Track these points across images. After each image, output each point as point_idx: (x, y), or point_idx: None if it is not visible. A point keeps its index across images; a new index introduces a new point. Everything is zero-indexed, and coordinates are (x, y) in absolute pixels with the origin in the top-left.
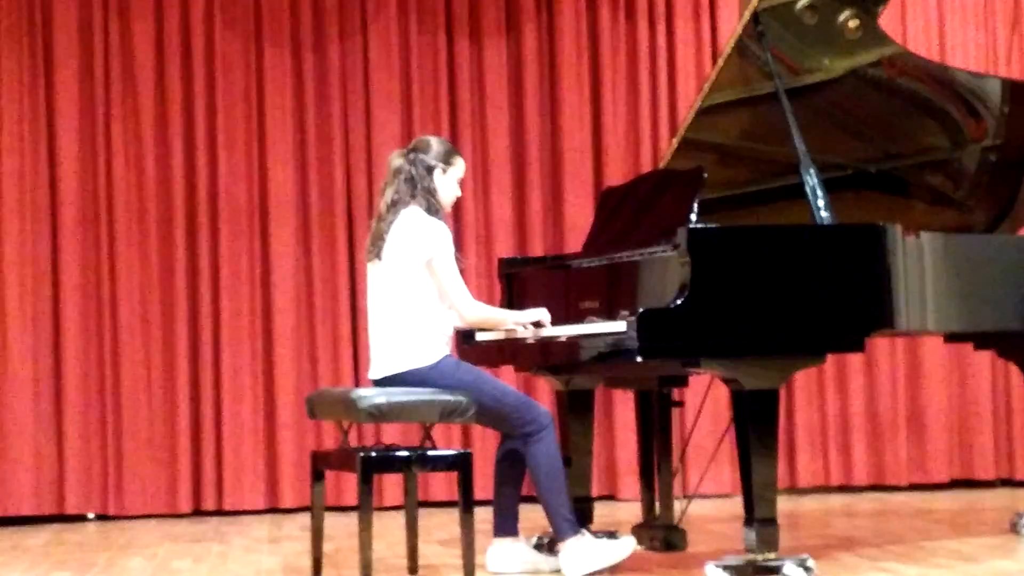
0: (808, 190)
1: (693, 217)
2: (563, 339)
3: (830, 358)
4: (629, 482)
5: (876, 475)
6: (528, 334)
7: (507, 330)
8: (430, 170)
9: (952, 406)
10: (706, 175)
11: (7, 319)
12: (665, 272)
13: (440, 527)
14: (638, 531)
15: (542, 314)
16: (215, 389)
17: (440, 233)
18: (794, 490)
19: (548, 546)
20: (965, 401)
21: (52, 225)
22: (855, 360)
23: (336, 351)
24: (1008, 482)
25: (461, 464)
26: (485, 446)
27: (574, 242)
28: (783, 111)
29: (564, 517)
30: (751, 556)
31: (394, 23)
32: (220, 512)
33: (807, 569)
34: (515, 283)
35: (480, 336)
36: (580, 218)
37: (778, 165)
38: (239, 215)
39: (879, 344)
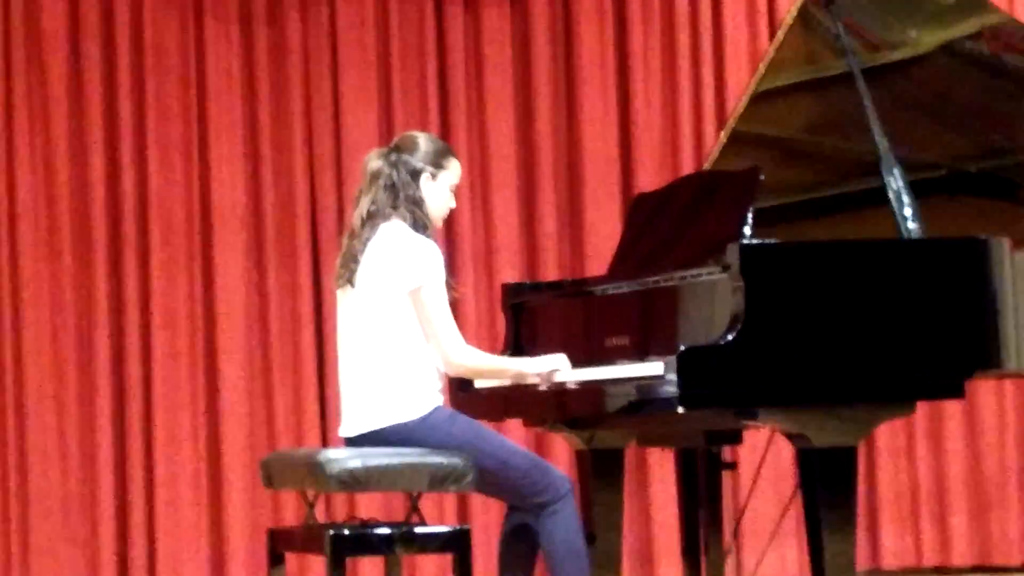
0: (891, 195)
1: (747, 230)
2: (584, 385)
3: (921, 407)
4: (669, 564)
5: (981, 553)
6: (540, 379)
7: (512, 375)
8: (416, 175)
9: None
10: (763, 177)
11: None
12: (712, 300)
13: None
14: None
15: (558, 362)
16: (145, 450)
17: (428, 255)
18: (878, 572)
19: None
20: None
21: None
22: (953, 409)
23: (298, 401)
24: None
25: (457, 544)
26: (487, 520)
27: (597, 263)
28: (859, 96)
29: None
30: None
31: None
32: None
33: None
34: (523, 316)
35: (480, 383)
36: (604, 232)
37: (853, 164)
38: (175, 231)
39: (983, 388)
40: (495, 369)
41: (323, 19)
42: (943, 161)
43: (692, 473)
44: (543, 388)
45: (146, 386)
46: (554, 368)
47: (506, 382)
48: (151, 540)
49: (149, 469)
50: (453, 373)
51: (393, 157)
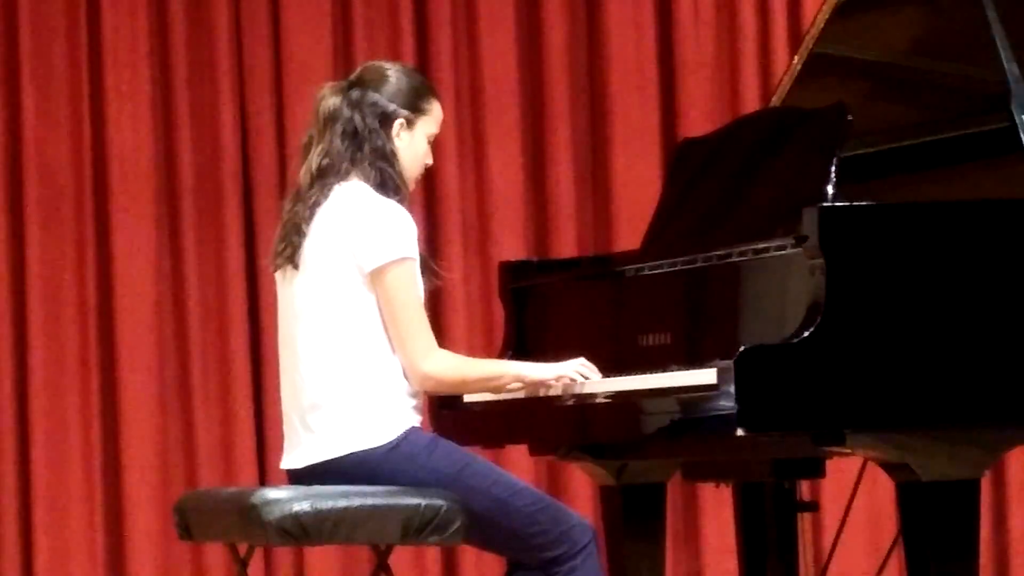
0: None
1: (830, 189)
2: (611, 398)
3: None
4: None
5: None
6: (554, 389)
7: (508, 381)
8: (386, 119)
9: None
10: (851, 117)
11: None
12: (783, 283)
13: None
14: None
15: (577, 370)
16: (19, 487)
17: (397, 225)
18: None
19: None
20: None
21: None
22: None
23: (226, 423)
24: None
25: None
26: None
27: (628, 234)
28: (979, 5)
29: None
30: None
31: None
32: None
33: None
34: (529, 306)
35: (470, 397)
36: (638, 193)
37: (971, 98)
38: (57, 192)
39: None
40: (480, 377)
41: None
42: None
43: (758, 516)
44: (558, 403)
45: (20, 402)
46: (572, 374)
47: (507, 395)
48: None
49: (25, 513)
50: (419, 387)
51: (355, 95)
